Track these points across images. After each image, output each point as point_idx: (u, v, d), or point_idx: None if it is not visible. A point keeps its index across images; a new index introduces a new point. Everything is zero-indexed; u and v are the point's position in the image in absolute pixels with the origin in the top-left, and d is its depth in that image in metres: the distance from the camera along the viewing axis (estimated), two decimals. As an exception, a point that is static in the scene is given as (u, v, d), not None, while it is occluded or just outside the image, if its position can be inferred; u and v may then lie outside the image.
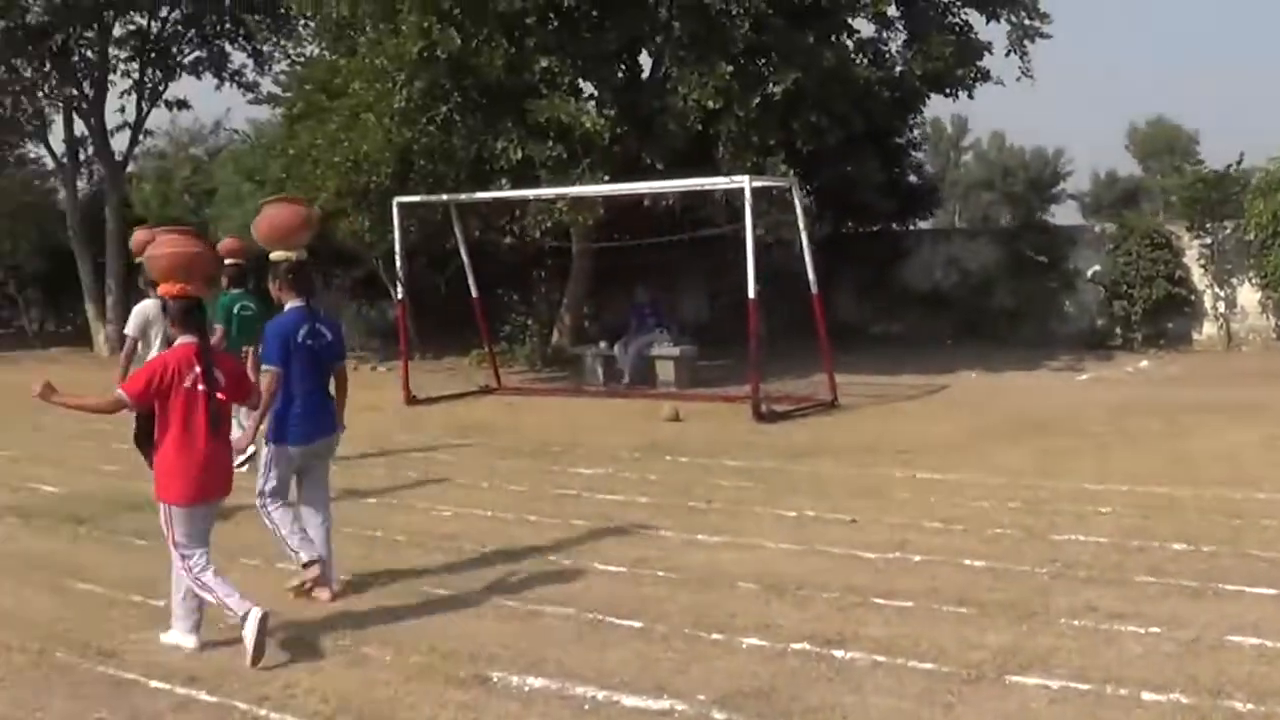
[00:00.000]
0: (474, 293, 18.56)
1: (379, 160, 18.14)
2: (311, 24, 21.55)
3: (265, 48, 27.65)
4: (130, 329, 10.48)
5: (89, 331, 28.68)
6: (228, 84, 28.93)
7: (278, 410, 7.60)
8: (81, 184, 30.60)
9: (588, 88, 19.17)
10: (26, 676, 6.23)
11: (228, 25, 28.45)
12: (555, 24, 18.40)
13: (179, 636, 6.67)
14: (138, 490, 10.96)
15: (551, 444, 13.51)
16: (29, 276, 32.53)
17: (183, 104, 29.47)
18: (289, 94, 21.19)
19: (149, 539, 8.89)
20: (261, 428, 7.69)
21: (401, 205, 17.92)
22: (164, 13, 28.54)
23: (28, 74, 28.52)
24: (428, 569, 8.12)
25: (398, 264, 17.98)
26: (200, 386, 6.55)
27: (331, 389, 7.87)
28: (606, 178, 17.68)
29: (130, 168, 29.44)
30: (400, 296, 18.42)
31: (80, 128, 29.38)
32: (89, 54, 28.62)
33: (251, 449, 10.11)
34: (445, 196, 18.09)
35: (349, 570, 7.93)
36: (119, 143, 29.11)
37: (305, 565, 7.47)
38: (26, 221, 31.47)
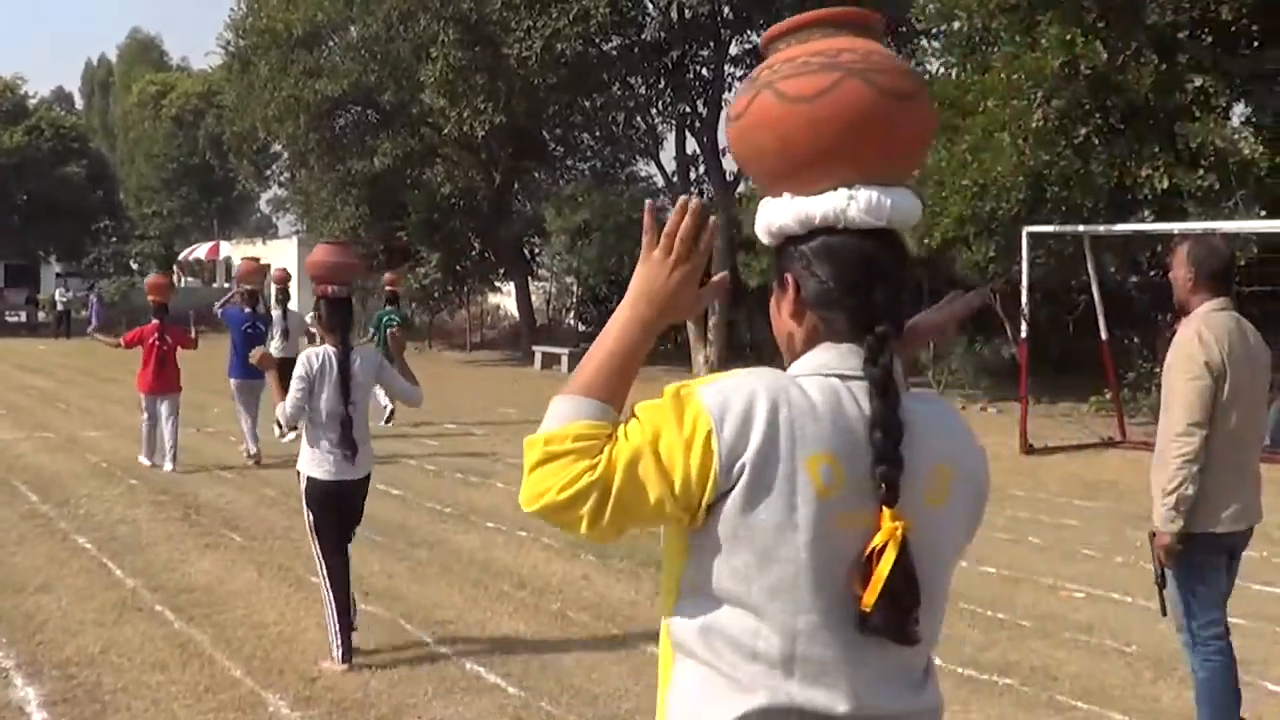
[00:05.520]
0: (1103, 334, 16.96)
1: (1009, 185, 17.05)
2: (938, 41, 20.83)
3: (887, 64, 27.10)
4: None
5: (689, 351, 28.51)
6: (843, 102, 28.59)
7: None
8: (690, 202, 31.15)
9: (1238, 111, 17.57)
10: None
11: (844, 42, 28.09)
12: (1210, 39, 16.79)
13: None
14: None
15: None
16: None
17: (794, 121, 29.40)
18: (915, 112, 20.43)
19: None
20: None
21: (1031, 235, 16.63)
22: (780, 31, 28.66)
23: (642, 91, 29.58)
24: (1057, 668, 6.98)
25: (1022, 299, 16.74)
26: (156, 342, 13.78)
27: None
28: (1263, 212, 15.84)
29: (740, 187, 29.73)
30: (1023, 335, 17.15)
31: (692, 146, 30.22)
32: (704, 71, 29.28)
33: (390, 408, 17.34)
34: (1081, 228, 16.71)
35: (966, 659, 6.96)
36: (730, 162, 29.36)
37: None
38: (632, 239, 32.43)
